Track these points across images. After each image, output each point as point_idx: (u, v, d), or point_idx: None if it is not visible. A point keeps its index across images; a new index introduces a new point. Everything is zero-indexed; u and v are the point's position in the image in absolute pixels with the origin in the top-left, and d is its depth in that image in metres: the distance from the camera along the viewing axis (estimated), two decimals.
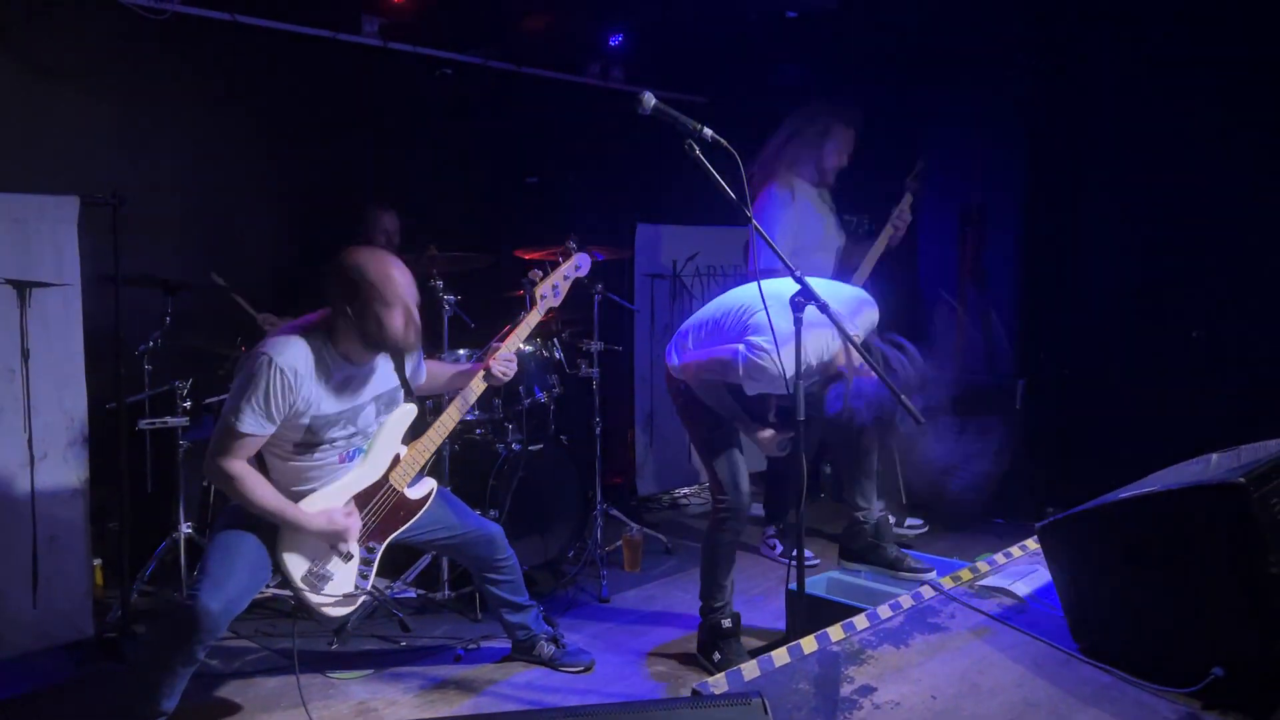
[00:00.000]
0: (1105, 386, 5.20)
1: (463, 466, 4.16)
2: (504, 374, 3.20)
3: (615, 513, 4.76)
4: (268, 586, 3.91)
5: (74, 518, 3.39)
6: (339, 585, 2.91)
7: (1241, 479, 1.95)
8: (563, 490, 4.34)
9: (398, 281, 2.80)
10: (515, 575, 3.36)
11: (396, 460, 3.04)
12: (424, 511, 3.09)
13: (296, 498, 2.87)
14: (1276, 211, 4.61)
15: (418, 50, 5.37)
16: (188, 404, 3.85)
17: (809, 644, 2.09)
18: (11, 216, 3.23)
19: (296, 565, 2.85)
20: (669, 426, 5.50)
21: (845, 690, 1.92)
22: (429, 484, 3.12)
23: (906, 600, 2.38)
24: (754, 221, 2.45)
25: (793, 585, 2.60)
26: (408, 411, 3.09)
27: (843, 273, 4.34)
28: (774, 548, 4.77)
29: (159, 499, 4.08)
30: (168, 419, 3.82)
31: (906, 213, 4.33)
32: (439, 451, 3.97)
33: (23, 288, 3.24)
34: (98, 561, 3.84)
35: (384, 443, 3.03)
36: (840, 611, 2.75)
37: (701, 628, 3.44)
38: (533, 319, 3.31)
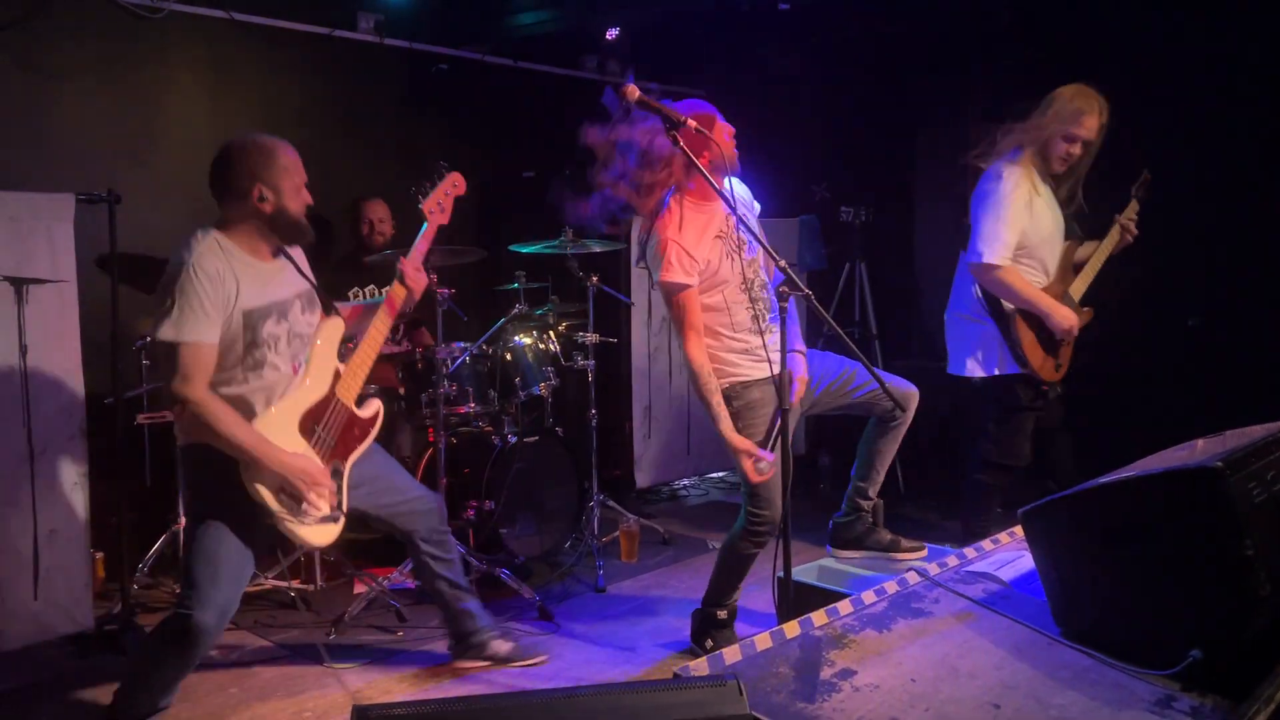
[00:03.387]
0: (1103, 375, 5.20)
1: (459, 459, 4.19)
2: (415, 284, 3.11)
3: (612, 504, 4.79)
4: (266, 578, 3.96)
5: (73, 511, 3.44)
6: (316, 507, 2.85)
7: (1219, 463, 1.96)
8: (559, 482, 4.37)
9: (285, 154, 2.81)
10: (456, 554, 3.30)
11: (338, 375, 2.97)
12: (372, 439, 3.06)
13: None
14: (1273, 200, 4.62)
15: (414, 46, 5.40)
16: None
17: (791, 629, 2.11)
18: (8, 214, 3.26)
19: (268, 491, 2.75)
20: (667, 419, 5.53)
21: (825, 673, 1.94)
22: (375, 403, 3.10)
23: (891, 586, 2.40)
24: (737, 214, 2.47)
25: (781, 573, 2.63)
26: (336, 325, 3.03)
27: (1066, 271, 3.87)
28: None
29: (157, 492, 4.12)
30: (165, 413, 3.85)
31: (1132, 226, 3.89)
32: (436, 444, 4.01)
33: (20, 284, 3.28)
34: (98, 554, 3.89)
35: (321, 358, 2.95)
36: (829, 598, 2.76)
37: (695, 615, 3.47)
38: (430, 234, 3.21)
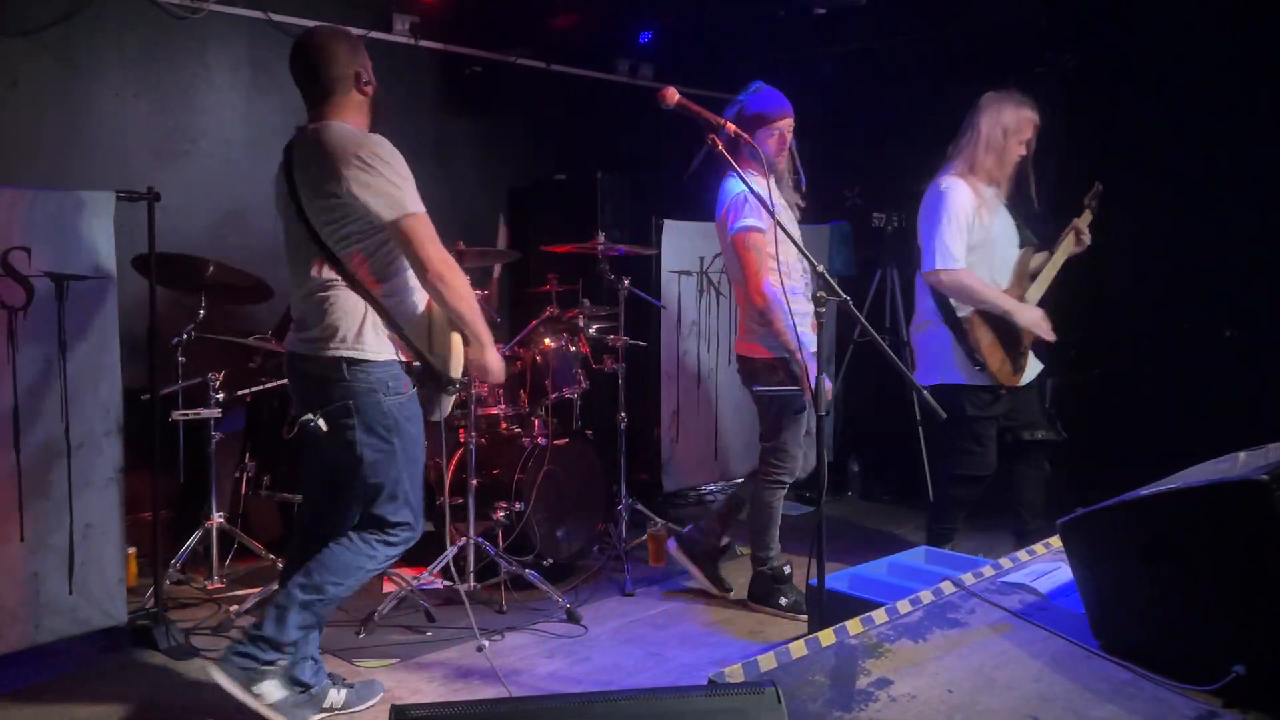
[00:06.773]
0: (1137, 386, 5.15)
1: (489, 460, 4.20)
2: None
3: (640, 508, 4.78)
4: None
5: (109, 506, 3.46)
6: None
7: (1264, 476, 1.93)
8: (588, 485, 4.37)
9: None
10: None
11: None
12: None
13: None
14: None
15: (448, 48, 5.42)
16: (220, 396, 3.92)
17: (827, 637, 2.10)
18: (49, 211, 3.29)
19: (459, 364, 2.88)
20: (694, 423, 5.52)
21: (861, 683, 1.93)
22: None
23: (926, 596, 2.38)
24: (774, 216, 2.46)
25: (814, 581, 2.62)
26: None
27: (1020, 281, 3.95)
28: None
29: (192, 489, 4.15)
30: (200, 410, 3.89)
31: (1086, 233, 3.96)
32: (466, 444, 4.01)
33: (60, 281, 3.31)
34: (132, 550, 3.92)
35: None
36: (861, 607, 2.75)
37: (757, 579, 3.61)
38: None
